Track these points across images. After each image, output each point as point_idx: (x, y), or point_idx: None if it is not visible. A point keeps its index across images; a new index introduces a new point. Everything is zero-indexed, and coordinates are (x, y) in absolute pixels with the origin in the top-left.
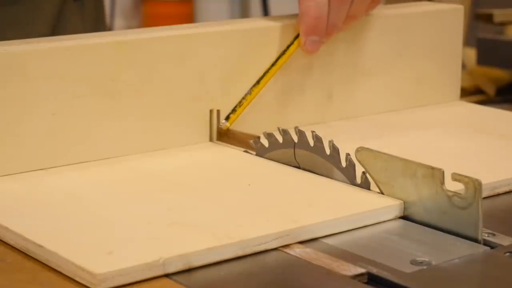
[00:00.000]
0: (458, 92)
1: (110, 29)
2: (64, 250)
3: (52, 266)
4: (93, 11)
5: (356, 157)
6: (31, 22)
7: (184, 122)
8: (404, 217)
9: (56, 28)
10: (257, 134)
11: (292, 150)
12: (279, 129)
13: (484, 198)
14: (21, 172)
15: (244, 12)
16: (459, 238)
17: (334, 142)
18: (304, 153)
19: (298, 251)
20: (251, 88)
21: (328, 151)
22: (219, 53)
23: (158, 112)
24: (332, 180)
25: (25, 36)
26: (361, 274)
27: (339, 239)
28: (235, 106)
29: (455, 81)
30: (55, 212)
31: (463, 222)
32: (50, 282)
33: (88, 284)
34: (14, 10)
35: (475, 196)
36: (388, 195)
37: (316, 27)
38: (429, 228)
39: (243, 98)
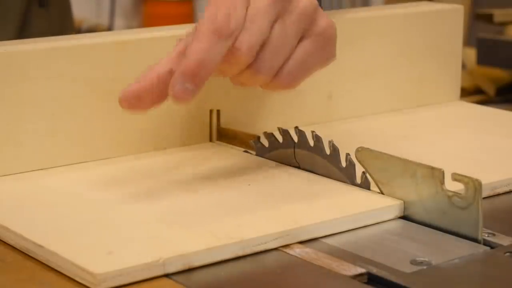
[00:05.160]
0: (458, 92)
1: (110, 29)
2: (64, 250)
3: (52, 266)
4: (59, 16)
5: (356, 157)
6: None
7: (184, 122)
8: (404, 217)
9: (21, 33)
10: (257, 134)
11: (292, 150)
12: (279, 129)
13: (484, 198)
14: (21, 172)
15: None
16: (459, 238)
17: (334, 142)
18: (304, 153)
19: (298, 251)
20: None
21: (328, 151)
22: None
23: (158, 112)
24: (332, 180)
25: None
26: (361, 274)
27: (339, 239)
28: None
29: (455, 81)
30: (55, 212)
31: (463, 222)
32: (50, 282)
33: (88, 284)
34: None
35: (475, 196)
36: (388, 195)
37: (195, 75)
38: (429, 228)
39: None
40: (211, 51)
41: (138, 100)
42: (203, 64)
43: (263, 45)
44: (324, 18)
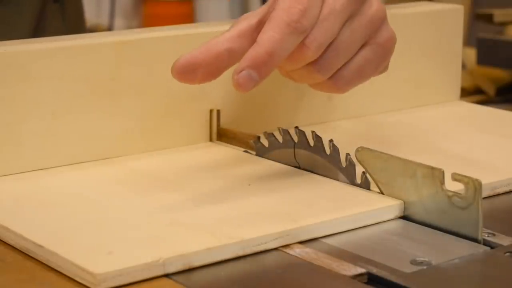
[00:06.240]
0: (458, 92)
1: (110, 29)
2: (64, 250)
3: (52, 266)
4: (73, 11)
5: (356, 157)
6: (12, 23)
7: (184, 122)
8: (404, 217)
9: (37, 29)
10: (257, 134)
11: (292, 150)
12: (279, 129)
13: (484, 198)
14: (21, 172)
15: (244, 12)
16: (459, 238)
17: (334, 142)
18: (304, 153)
19: (298, 251)
20: None
21: (328, 151)
22: None
23: (158, 112)
24: (332, 180)
25: (5, 37)
26: (361, 274)
27: (339, 239)
28: None
29: (455, 81)
30: (55, 212)
31: (463, 222)
32: (50, 282)
33: (88, 284)
34: None
35: (475, 196)
36: (388, 195)
37: (263, 65)
38: (429, 228)
39: None
40: (283, 43)
41: (190, 73)
42: (273, 55)
43: (328, 45)
44: (389, 29)
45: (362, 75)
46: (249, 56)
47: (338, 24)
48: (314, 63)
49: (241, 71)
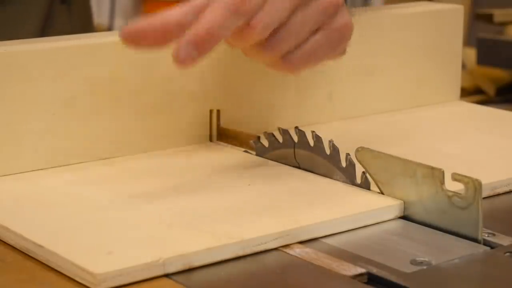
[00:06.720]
0: (458, 92)
1: (110, 29)
2: (64, 250)
3: (52, 266)
4: (80, 12)
5: (356, 157)
6: (19, 23)
7: (184, 122)
8: (404, 217)
9: (44, 30)
10: (257, 134)
11: (292, 150)
12: (279, 129)
13: (484, 198)
14: (21, 172)
15: None
16: (459, 238)
17: (334, 142)
18: (304, 153)
19: (298, 251)
20: None
21: (328, 151)
22: (219, 53)
23: (158, 112)
24: (332, 180)
25: (12, 37)
26: (361, 274)
27: (339, 239)
28: None
29: (455, 81)
30: (55, 212)
31: (463, 222)
32: (50, 282)
33: (88, 284)
34: (1, 11)
35: (475, 196)
36: (388, 195)
37: (202, 44)
38: (429, 228)
39: None
40: (222, 25)
41: (141, 36)
42: (212, 35)
43: (279, 27)
44: (344, 16)
45: (314, 58)
46: (188, 35)
47: (286, 7)
48: (262, 42)
49: (181, 49)
